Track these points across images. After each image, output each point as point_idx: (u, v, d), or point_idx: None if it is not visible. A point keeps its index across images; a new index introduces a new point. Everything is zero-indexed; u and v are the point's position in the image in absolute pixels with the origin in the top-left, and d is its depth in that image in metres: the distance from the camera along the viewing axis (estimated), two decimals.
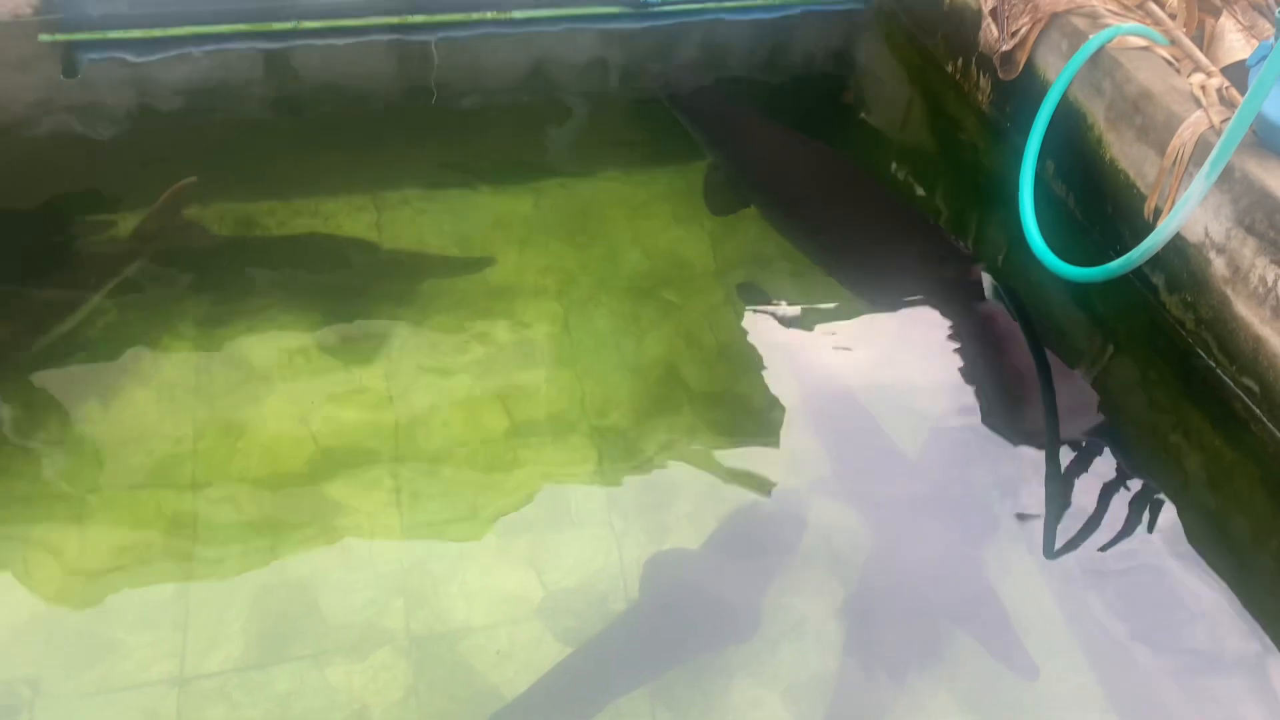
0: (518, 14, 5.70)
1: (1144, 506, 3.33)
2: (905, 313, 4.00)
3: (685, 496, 3.33)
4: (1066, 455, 3.50)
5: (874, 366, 3.81)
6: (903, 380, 3.75)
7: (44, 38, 5.27)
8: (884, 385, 3.74)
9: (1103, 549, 3.21)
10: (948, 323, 3.96)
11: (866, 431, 3.61)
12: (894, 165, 4.91)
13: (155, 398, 3.51)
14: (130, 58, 5.29)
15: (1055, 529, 3.27)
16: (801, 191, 4.52)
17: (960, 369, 3.78)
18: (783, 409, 3.61)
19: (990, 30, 4.63)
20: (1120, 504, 3.33)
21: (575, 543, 3.17)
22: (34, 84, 5.16)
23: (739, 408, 3.62)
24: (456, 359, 3.73)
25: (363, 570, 3.06)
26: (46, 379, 3.56)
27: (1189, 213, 3.36)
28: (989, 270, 4.21)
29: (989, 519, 3.31)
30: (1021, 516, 3.31)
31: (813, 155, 4.73)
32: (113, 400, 3.51)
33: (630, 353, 3.78)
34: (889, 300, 4.06)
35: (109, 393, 3.53)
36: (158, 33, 5.34)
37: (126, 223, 4.24)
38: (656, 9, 5.82)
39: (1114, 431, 3.58)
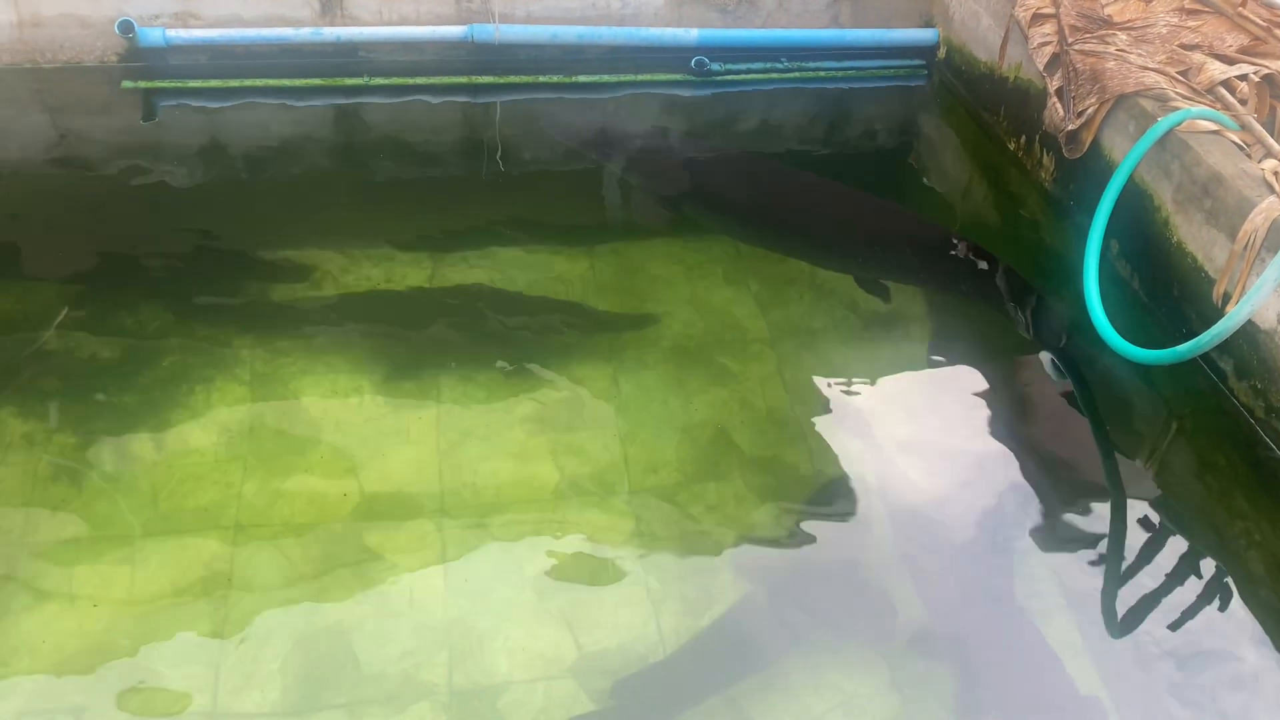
0: (582, 78, 5.82)
1: (1207, 598, 3.21)
2: (962, 385, 3.94)
3: (727, 563, 3.27)
4: (1123, 539, 3.39)
5: (927, 439, 3.75)
6: (957, 454, 3.68)
7: (126, 84, 5.47)
8: (937, 457, 3.67)
9: (1161, 639, 3.08)
10: (1006, 398, 3.89)
11: (918, 505, 3.53)
12: (953, 240, 4.87)
13: (209, 439, 3.54)
14: (205, 106, 5.46)
15: (1112, 612, 3.17)
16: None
17: (1016, 445, 3.70)
18: (832, 479, 3.55)
19: (1056, 109, 4.62)
20: (1182, 594, 3.21)
21: (614, 604, 3.12)
22: (113, 126, 5.35)
23: (787, 475, 3.56)
24: (505, 414, 3.72)
25: (404, 621, 3.02)
26: (106, 414, 3.61)
27: (1264, 298, 3.29)
28: (1050, 348, 4.15)
29: (1042, 599, 3.20)
30: (1077, 596, 3.20)
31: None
32: (167, 439, 3.54)
33: (679, 414, 3.75)
34: (939, 368, 4.03)
35: (165, 431, 3.56)
36: (234, 83, 5.52)
37: (186, 263, 4.35)
38: (718, 76, 5.91)
39: (1175, 519, 3.47)
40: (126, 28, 5.35)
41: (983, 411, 3.84)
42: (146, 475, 3.40)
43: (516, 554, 3.24)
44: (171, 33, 5.42)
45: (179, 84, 5.51)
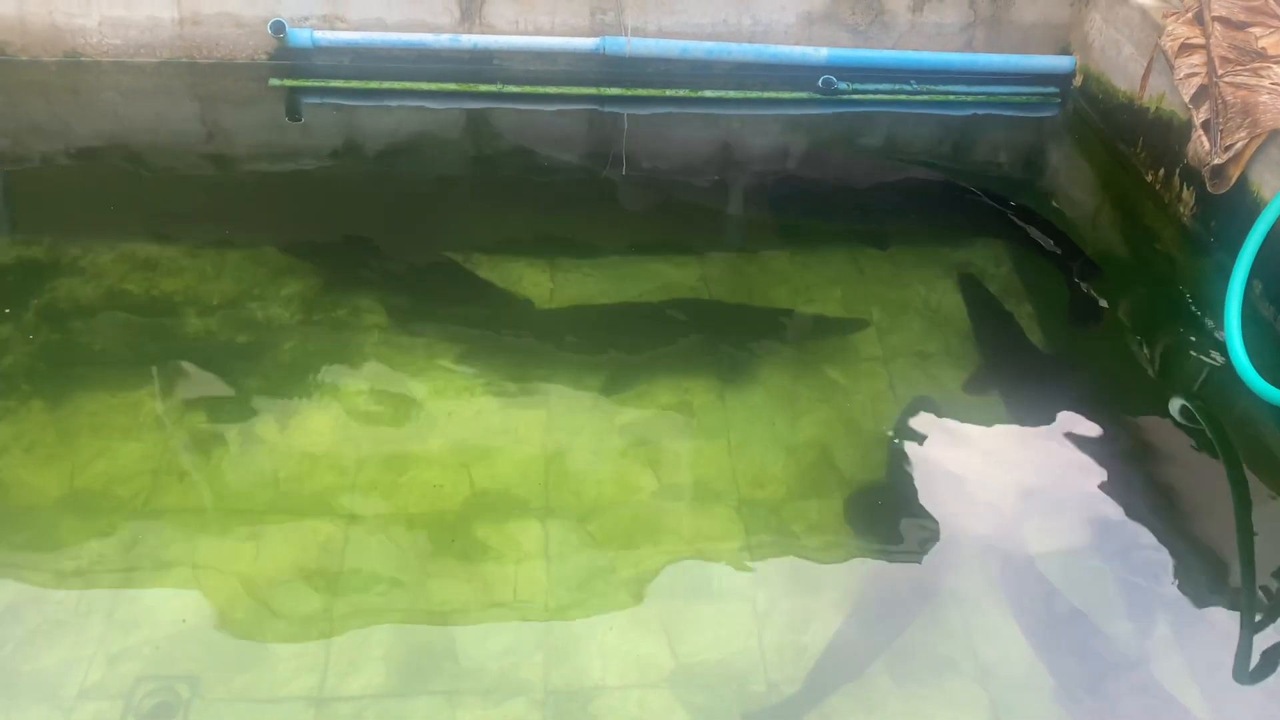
0: (708, 93, 5.84)
1: None
2: (1084, 423, 3.80)
3: (830, 583, 3.22)
4: (1254, 594, 3.22)
5: (1044, 479, 3.62)
6: (1076, 494, 3.55)
7: (274, 82, 5.73)
8: (1054, 498, 3.55)
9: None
10: (1132, 437, 3.75)
11: (1030, 546, 3.41)
12: (1081, 273, 4.71)
13: (329, 426, 3.65)
14: (345, 105, 5.68)
15: (1238, 675, 3.01)
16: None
17: (1140, 487, 3.55)
18: (941, 511, 3.46)
19: (1201, 142, 4.44)
20: None
21: (716, 616, 3.10)
22: (259, 122, 5.60)
23: (893, 501, 3.49)
24: (613, 420, 3.75)
25: (505, 617, 3.06)
26: (232, 395, 3.77)
27: None
28: (1182, 389, 3.98)
29: (1161, 654, 3.06)
30: (1199, 654, 3.05)
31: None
32: (290, 423, 3.66)
33: (786, 430, 3.72)
34: (1061, 406, 3.89)
35: (288, 416, 3.69)
36: (374, 84, 5.73)
37: (313, 255, 4.49)
38: (845, 96, 5.86)
39: None
40: (278, 28, 5.61)
41: (1105, 450, 3.69)
42: (269, 457, 3.53)
43: (618, 559, 3.26)
44: (319, 34, 5.66)
45: (322, 83, 5.74)
